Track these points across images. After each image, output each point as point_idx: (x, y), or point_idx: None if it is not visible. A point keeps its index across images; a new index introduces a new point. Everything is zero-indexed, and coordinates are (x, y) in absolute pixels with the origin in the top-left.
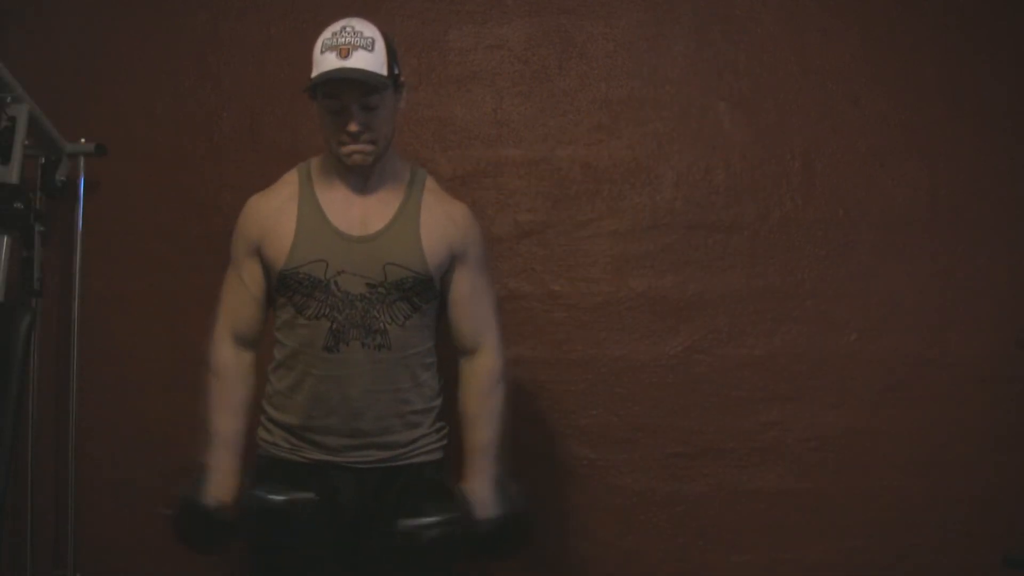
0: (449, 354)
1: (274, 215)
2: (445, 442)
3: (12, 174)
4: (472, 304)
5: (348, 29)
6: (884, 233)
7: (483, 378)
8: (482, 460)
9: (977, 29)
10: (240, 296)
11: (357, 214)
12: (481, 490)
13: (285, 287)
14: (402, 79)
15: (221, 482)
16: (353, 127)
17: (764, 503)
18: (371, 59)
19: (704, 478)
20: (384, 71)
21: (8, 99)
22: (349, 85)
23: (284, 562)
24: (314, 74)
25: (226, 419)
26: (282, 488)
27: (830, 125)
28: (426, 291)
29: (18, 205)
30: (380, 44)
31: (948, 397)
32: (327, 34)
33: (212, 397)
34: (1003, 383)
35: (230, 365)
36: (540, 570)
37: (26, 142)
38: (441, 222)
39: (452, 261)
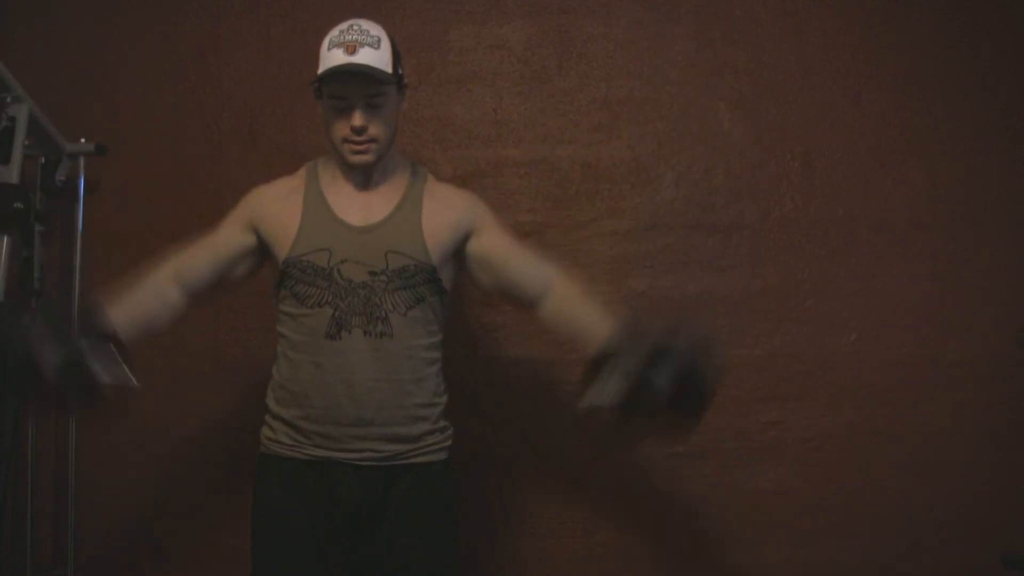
0: (450, 355)
1: (278, 202)
2: (450, 443)
3: (12, 174)
4: (519, 254)
5: (355, 27)
6: (884, 233)
7: (571, 290)
8: (614, 317)
9: (977, 29)
10: (203, 244)
11: (360, 207)
12: (631, 325)
13: (288, 276)
14: (405, 81)
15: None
16: (357, 120)
17: (764, 503)
18: (377, 56)
19: (704, 478)
20: (389, 69)
21: (8, 99)
22: (355, 80)
23: (283, 562)
24: (320, 70)
25: (121, 311)
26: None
27: (830, 125)
28: (429, 281)
29: (18, 205)
30: (386, 43)
31: (948, 397)
32: (334, 32)
33: (123, 292)
34: (1003, 383)
35: (156, 283)
36: (540, 570)
37: (26, 142)
38: (443, 208)
39: (466, 238)
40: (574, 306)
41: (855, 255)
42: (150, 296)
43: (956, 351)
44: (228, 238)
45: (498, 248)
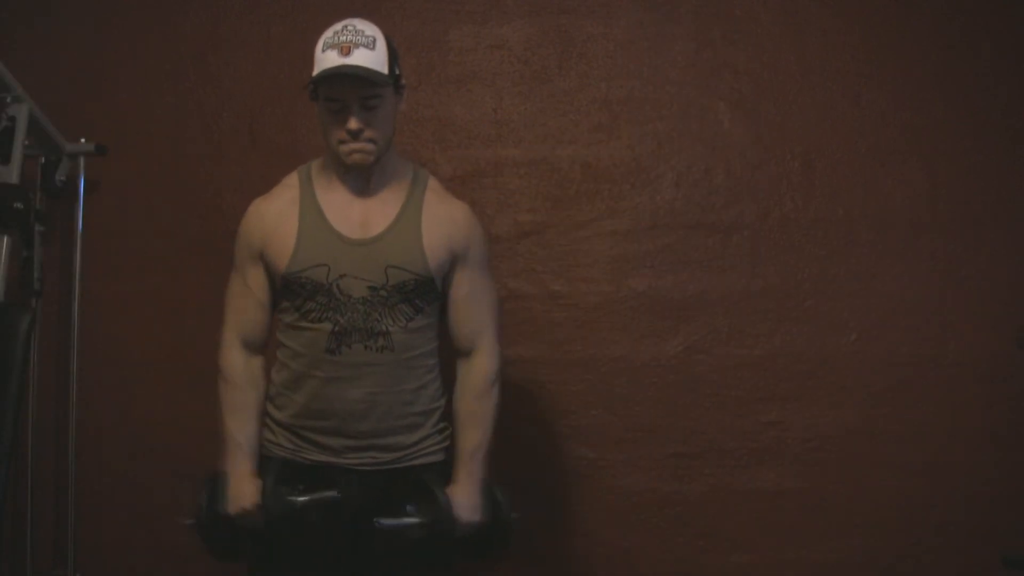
0: (449, 356)
1: (276, 219)
2: (447, 443)
3: (12, 174)
4: (470, 306)
5: (350, 28)
6: (884, 233)
7: (477, 380)
8: (470, 463)
9: (977, 29)
10: (246, 301)
11: (358, 216)
12: (466, 494)
13: (287, 290)
14: (402, 80)
15: (241, 488)
16: (353, 124)
17: (764, 503)
18: (372, 57)
19: (704, 478)
20: (385, 70)
21: (8, 99)
22: (350, 82)
23: (284, 561)
24: (315, 72)
25: (240, 424)
26: (304, 488)
27: (830, 125)
28: (428, 293)
29: (18, 205)
30: (381, 43)
31: (948, 397)
32: (328, 33)
33: (225, 403)
34: (1003, 383)
35: (240, 370)
36: (540, 570)
37: (26, 142)
38: (442, 222)
39: (453, 262)
40: (464, 408)
41: (855, 255)
42: (247, 391)
43: (956, 351)
44: (256, 280)
45: (460, 289)
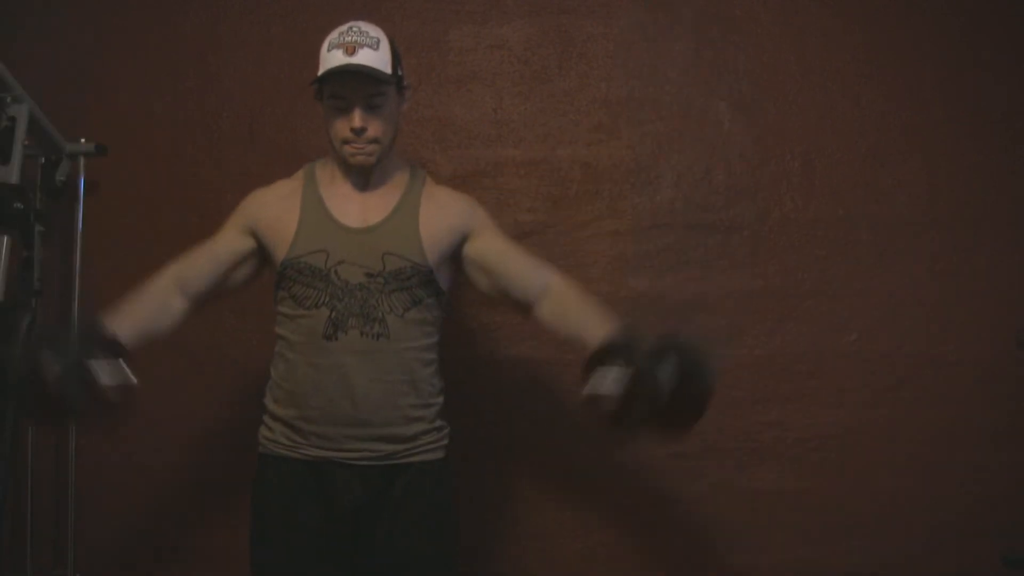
0: (449, 355)
1: (276, 204)
2: (447, 442)
3: (12, 174)
4: (516, 258)
5: (355, 29)
6: (884, 233)
7: (569, 291)
8: (614, 317)
9: (977, 30)
10: (203, 250)
11: (357, 209)
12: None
13: (285, 278)
14: (406, 82)
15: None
16: (357, 121)
17: (764, 503)
18: (376, 57)
19: (704, 478)
20: (388, 69)
21: (8, 99)
22: (354, 80)
23: (283, 562)
24: (320, 71)
25: (122, 318)
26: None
27: (830, 125)
28: (426, 283)
29: (18, 205)
30: (385, 44)
31: (948, 397)
32: (334, 34)
33: (124, 303)
34: (1003, 383)
35: (156, 289)
36: (540, 570)
37: (26, 142)
38: (440, 211)
39: (463, 241)
40: (573, 306)
41: (855, 255)
42: (152, 304)
43: (956, 351)
44: (228, 243)
45: (495, 251)
